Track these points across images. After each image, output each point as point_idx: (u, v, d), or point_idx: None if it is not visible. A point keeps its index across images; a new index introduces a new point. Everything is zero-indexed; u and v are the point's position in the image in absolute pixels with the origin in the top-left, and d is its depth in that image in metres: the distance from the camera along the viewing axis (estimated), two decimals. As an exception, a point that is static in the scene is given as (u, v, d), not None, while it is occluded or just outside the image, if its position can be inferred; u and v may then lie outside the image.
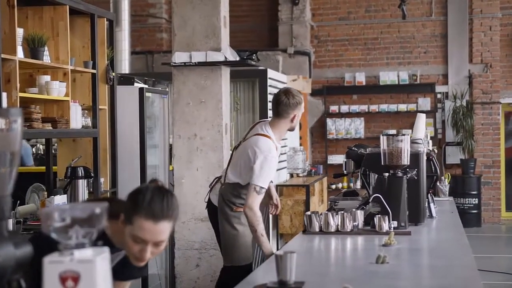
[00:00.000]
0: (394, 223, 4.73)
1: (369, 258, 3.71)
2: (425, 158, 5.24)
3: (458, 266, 3.66)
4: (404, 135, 4.93)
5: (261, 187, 4.88)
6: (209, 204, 5.31)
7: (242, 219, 5.09)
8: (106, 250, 2.00)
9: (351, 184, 11.29)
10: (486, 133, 13.72)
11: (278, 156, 5.12)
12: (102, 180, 6.23)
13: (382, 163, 4.89)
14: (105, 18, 6.34)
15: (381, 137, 4.97)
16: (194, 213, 6.53)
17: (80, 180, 5.83)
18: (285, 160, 10.48)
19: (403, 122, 13.80)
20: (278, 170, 8.53)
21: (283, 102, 5.04)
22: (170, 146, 7.06)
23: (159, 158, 7.21)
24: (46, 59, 5.36)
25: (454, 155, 13.66)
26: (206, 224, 6.34)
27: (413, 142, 5.77)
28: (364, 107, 13.89)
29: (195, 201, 6.46)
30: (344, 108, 13.95)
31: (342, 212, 4.74)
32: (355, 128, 13.90)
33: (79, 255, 1.92)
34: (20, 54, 4.99)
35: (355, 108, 13.92)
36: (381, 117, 13.87)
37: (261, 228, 4.92)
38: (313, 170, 11.33)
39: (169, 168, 7.18)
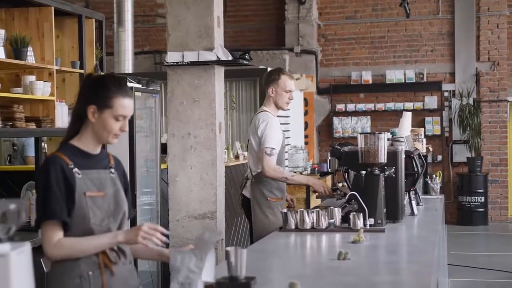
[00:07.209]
0: (371, 221, 4.76)
1: (334, 255, 3.74)
2: (403, 156, 5.27)
3: (415, 262, 3.69)
4: (381, 133, 4.97)
5: (272, 148, 5.53)
6: (244, 199, 5.85)
7: (275, 209, 5.64)
8: (25, 245, 2.06)
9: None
10: (494, 131, 13.67)
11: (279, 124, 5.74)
12: (91, 178, 6.31)
13: (359, 161, 4.94)
14: (94, 19, 6.41)
15: (358, 135, 5.01)
16: (188, 211, 6.56)
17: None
18: (286, 159, 10.53)
19: (409, 120, 13.77)
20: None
21: (263, 77, 5.91)
22: (162, 145, 7.12)
23: (150, 156, 7.29)
24: (31, 59, 5.43)
25: (461, 153, 13.64)
26: (200, 222, 6.39)
27: (395, 140, 5.82)
28: (370, 106, 13.90)
29: (189, 199, 6.49)
30: (351, 107, 13.97)
31: (318, 209, 4.78)
32: (362, 126, 13.90)
33: (-7, 249, 1.99)
34: (1, 54, 5.07)
35: (361, 106, 13.93)
36: (388, 115, 13.85)
37: (286, 173, 5.62)
38: (316, 169, 11.35)
39: (160, 166, 7.25)
